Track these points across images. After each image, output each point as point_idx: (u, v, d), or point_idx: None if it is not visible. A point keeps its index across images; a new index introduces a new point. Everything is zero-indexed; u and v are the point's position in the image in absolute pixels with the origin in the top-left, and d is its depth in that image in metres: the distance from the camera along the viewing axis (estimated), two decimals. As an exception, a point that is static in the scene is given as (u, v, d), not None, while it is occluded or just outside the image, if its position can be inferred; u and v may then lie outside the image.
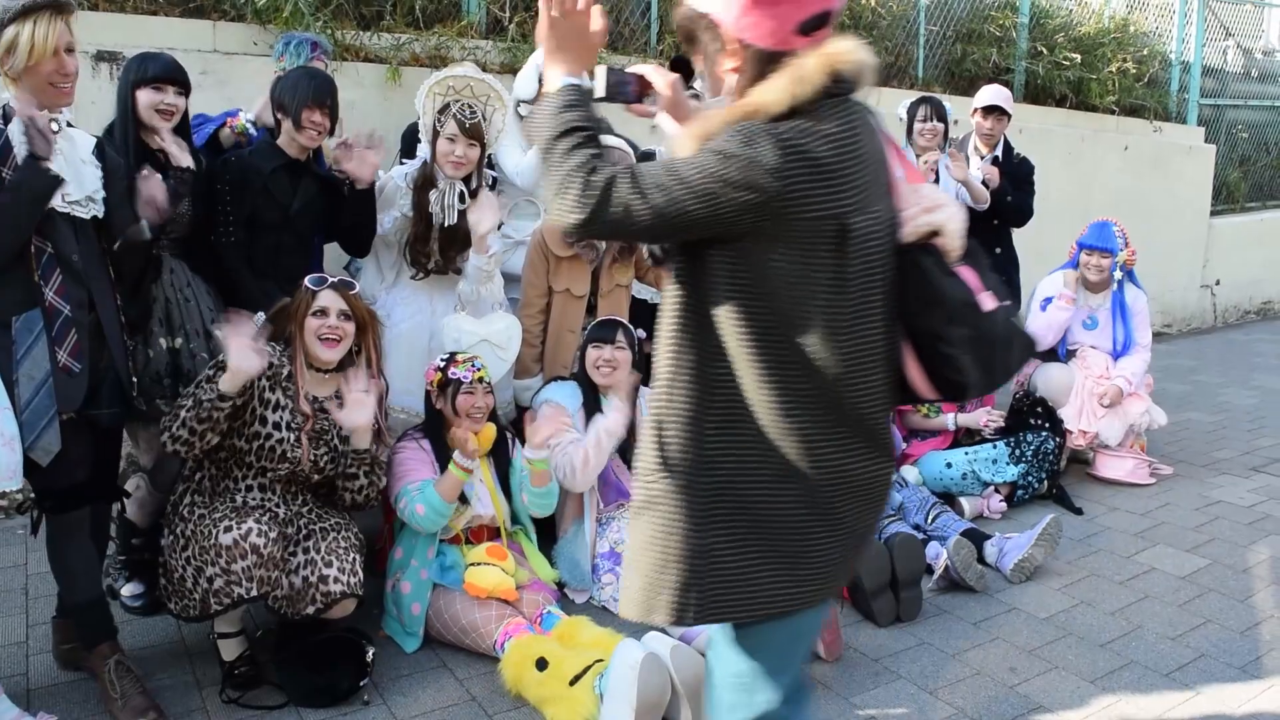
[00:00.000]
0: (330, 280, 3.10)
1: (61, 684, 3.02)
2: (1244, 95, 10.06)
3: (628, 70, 1.76)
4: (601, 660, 2.80)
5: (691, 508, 1.68)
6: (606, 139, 3.81)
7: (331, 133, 3.53)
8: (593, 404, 3.63)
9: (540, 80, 4.20)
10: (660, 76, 1.77)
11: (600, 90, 1.73)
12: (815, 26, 1.62)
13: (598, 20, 1.70)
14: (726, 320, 1.63)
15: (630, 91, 1.76)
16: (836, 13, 1.66)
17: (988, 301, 1.71)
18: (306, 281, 3.08)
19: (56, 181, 2.59)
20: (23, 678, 3.04)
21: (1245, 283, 9.73)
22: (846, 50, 1.62)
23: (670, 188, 1.55)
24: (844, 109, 1.63)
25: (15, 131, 2.58)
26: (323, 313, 3.03)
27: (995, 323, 1.72)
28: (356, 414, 3.03)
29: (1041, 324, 5.00)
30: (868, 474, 1.73)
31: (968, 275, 1.73)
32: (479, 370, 3.36)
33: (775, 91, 1.58)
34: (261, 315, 3.18)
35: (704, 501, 1.68)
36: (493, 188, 3.83)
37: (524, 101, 4.20)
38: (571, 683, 2.78)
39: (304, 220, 3.55)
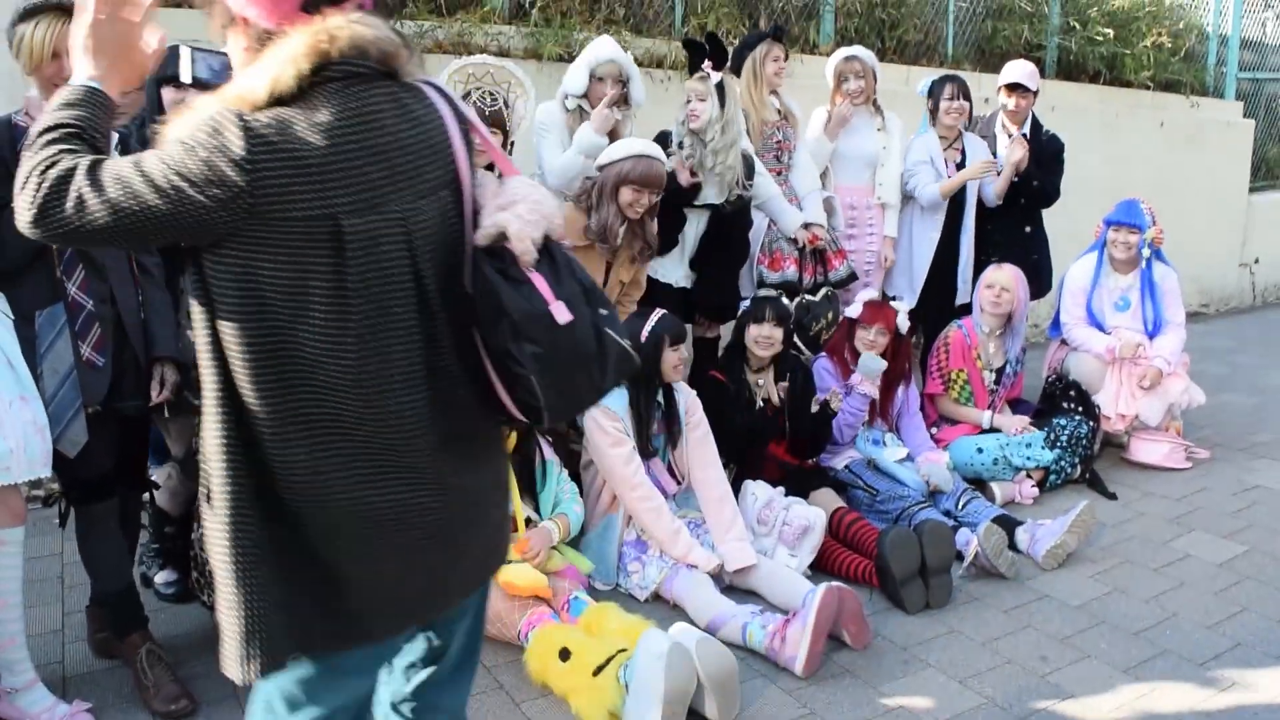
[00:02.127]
0: None
1: (97, 671, 3.05)
2: (1285, 68, 9.84)
3: (218, 51, 1.54)
4: (625, 650, 2.80)
5: (225, 550, 1.51)
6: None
7: None
8: (643, 400, 3.61)
9: (591, 75, 4.16)
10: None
11: (186, 74, 1.54)
12: (325, 2, 1.46)
13: (153, 37, 1.56)
14: (229, 337, 1.45)
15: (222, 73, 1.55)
16: None
17: (562, 313, 1.51)
18: None
19: None
20: (59, 665, 3.08)
21: (1286, 261, 9.54)
22: (339, 26, 1.43)
23: (130, 181, 1.38)
24: (354, 94, 1.45)
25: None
26: None
27: (574, 338, 1.52)
28: None
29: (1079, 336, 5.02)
30: (398, 506, 1.53)
31: (540, 283, 1.52)
32: None
33: (255, 77, 1.41)
34: None
35: (236, 543, 1.51)
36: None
37: (572, 95, 4.17)
38: (595, 673, 2.77)
39: None
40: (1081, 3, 8.00)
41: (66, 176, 1.38)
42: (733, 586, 3.46)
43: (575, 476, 3.69)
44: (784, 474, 3.99)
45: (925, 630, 3.31)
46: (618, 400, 3.56)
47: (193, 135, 1.39)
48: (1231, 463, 4.93)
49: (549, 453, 3.53)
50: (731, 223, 4.30)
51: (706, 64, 4.13)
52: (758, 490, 3.77)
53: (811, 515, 3.60)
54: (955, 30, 7.38)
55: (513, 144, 3.85)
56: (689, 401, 3.71)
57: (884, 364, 4.17)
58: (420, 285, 1.51)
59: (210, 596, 2.88)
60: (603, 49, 4.16)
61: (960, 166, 4.98)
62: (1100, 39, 7.83)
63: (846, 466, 4.18)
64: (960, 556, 3.65)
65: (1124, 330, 4.96)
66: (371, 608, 1.57)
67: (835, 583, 3.16)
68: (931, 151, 4.97)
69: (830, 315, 4.50)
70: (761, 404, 4.00)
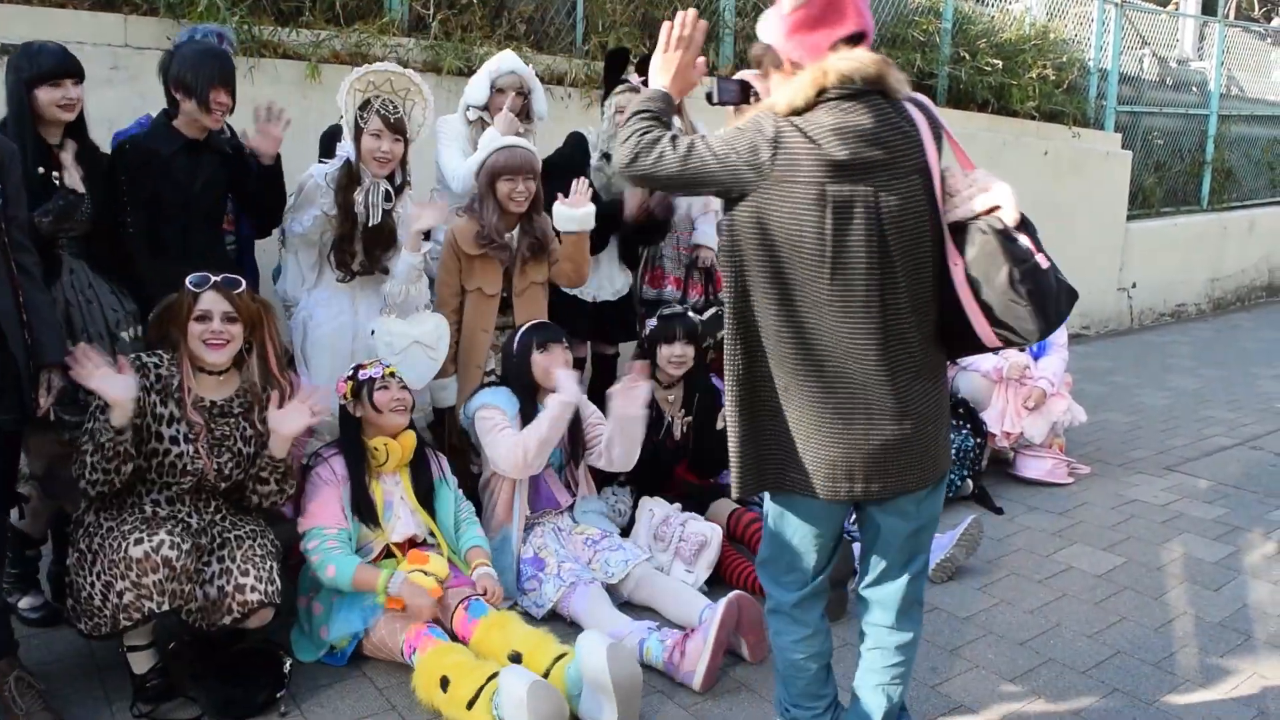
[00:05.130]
0: (213, 280, 2.93)
1: (-40, 702, 2.89)
2: (1159, 103, 10.33)
3: (733, 78, 2.29)
4: (495, 677, 2.75)
5: (735, 413, 2.25)
6: None
7: (231, 111, 3.44)
8: (530, 409, 3.57)
9: (492, 86, 4.08)
10: (758, 82, 2.26)
11: (714, 96, 2.29)
12: (844, 43, 2.12)
13: (699, 64, 2.29)
14: (746, 263, 2.15)
15: (734, 95, 2.29)
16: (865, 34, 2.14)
17: (1043, 261, 2.11)
18: (188, 282, 2.91)
19: None
20: (-82, 696, 2.91)
21: (1160, 286, 9.99)
22: (832, 64, 2.08)
23: (696, 147, 2.11)
24: (843, 107, 2.08)
25: None
26: (205, 317, 2.89)
27: (1050, 278, 2.12)
28: (288, 421, 2.95)
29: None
30: (846, 406, 2.16)
31: (1026, 240, 2.12)
32: (388, 367, 3.33)
33: (779, 97, 2.13)
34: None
35: (743, 408, 2.24)
36: (404, 188, 3.76)
37: (473, 106, 4.14)
38: (468, 706, 2.73)
39: (208, 199, 3.45)
40: (971, 34, 8.29)
41: (656, 140, 2.14)
42: (629, 603, 3.45)
43: (471, 497, 3.63)
44: (683, 492, 3.99)
45: (820, 644, 3.34)
46: (507, 404, 3.55)
47: (742, 124, 2.13)
48: (1110, 478, 5.12)
49: (446, 472, 3.48)
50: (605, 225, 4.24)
51: (635, 76, 4.12)
52: (654, 506, 3.77)
53: (708, 531, 3.62)
54: (851, 57, 7.54)
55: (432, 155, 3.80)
56: (590, 416, 3.70)
57: None
58: (885, 240, 2.10)
59: (86, 624, 2.75)
60: (504, 61, 4.16)
61: None
62: (989, 69, 8.12)
63: (744, 483, 4.20)
64: (855, 571, 3.70)
65: (1010, 351, 5.12)
66: (822, 471, 2.22)
67: (737, 591, 3.18)
68: None
69: (719, 334, 4.52)
70: (669, 421, 3.99)
